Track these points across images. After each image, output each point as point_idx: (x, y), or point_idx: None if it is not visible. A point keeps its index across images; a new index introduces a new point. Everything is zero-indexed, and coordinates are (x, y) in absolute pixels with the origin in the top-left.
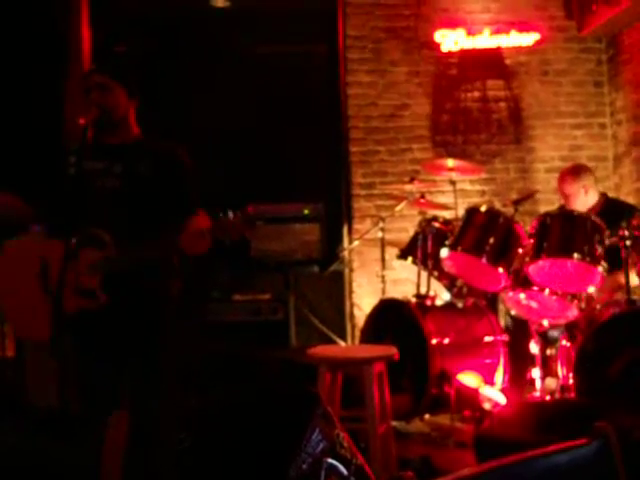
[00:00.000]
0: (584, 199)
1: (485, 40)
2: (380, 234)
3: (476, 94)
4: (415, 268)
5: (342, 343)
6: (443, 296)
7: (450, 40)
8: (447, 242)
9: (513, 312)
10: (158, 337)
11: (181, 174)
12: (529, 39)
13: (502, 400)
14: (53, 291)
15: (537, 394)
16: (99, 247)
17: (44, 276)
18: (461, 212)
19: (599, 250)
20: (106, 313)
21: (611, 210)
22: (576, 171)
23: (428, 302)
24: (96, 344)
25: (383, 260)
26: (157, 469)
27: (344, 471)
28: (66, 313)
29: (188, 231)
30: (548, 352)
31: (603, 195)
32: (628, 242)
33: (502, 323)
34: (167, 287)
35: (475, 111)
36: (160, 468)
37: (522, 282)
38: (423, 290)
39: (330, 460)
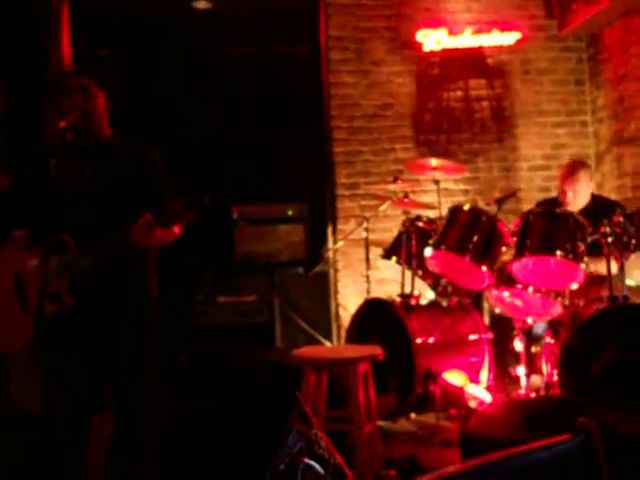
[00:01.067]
0: (586, 195)
1: (467, 40)
2: (364, 234)
3: (458, 93)
4: (399, 268)
5: (327, 343)
6: (427, 295)
7: (432, 40)
8: (431, 241)
9: (497, 310)
10: (141, 337)
11: (152, 175)
12: (510, 38)
13: (487, 398)
14: (27, 301)
15: (522, 391)
16: (64, 252)
17: (19, 288)
18: (445, 211)
19: (581, 247)
20: (87, 315)
21: (597, 206)
22: (585, 165)
23: (413, 301)
24: (78, 346)
25: (367, 260)
26: (140, 468)
27: (321, 471)
28: (46, 317)
29: (136, 223)
30: (533, 349)
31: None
32: (610, 239)
33: (487, 321)
34: (148, 287)
35: (458, 110)
36: (143, 467)
37: (506, 280)
38: (407, 289)
39: (307, 460)
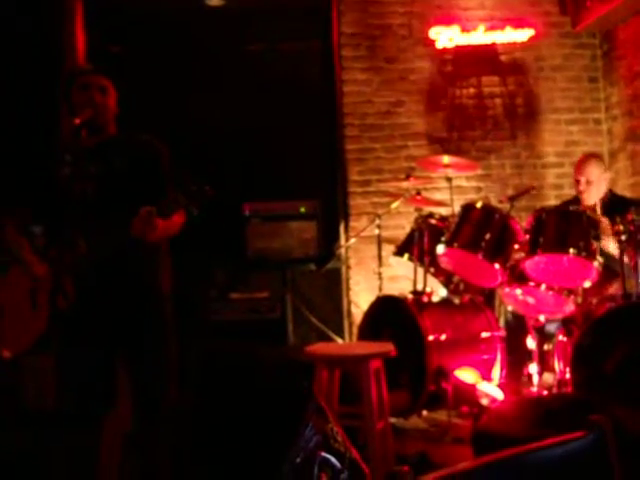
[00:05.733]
0: (600, 186)
1: (480, 37)
2: (376, 231)
3: (471, 90)
4: (412, 265)
5: (339, 340)
6: (440, 292)
7: (445, 37)
8: (443, 238)
9: (510, 308)
10: (154, 331)
11: (158, 166)
12: (524, 35)
13: (499, 396)
14: (37, 299)
15: (534, 389)
16: (74, 249)
17: (33, 290)
18: (457, 208)
19: (595, 245)
20: (97, 311)
21: (614, 203)
22: (599, 158)
23: (425, 299)
24: (89, 342)
25: (380, 257)
26: (157, 462)
27: (337, 464)
28: (58, 313)
29: (136, 215)
30: (545, 347)
31: (609, 189)
32: (624, 237)
33: (499, 319)
34: (159, 281)
35: (470, 107)
36: (160, 461)
37: (518, 278)
38: (420, 287)
39: (323, 454)
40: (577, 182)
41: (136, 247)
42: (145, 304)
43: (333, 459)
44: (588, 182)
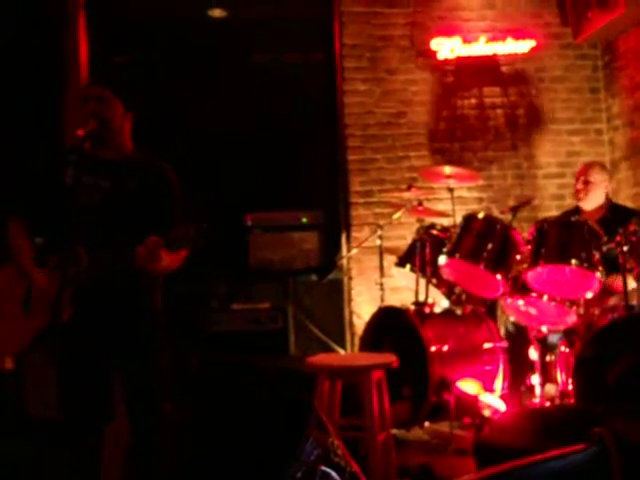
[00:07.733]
0: (600, 194)
1: (481, 48)
2: (378, 242)
3: (473, 101)
4: (413, 275)
5: (341, 351)
6: (442, 303)
7: (446, 48)
8: (445, 249)
9: (512, 319)
10: (150, 346)
11: (167, 192)
12: (525, 46)
13: (502, 407)
14: (30, 304)
15: (537, 400)
16: (77, 263)
17: (27, 298)
18: (459, 219)
19: (596, 256)
20: (98, 324)
21: (616, 215)
22: (604, 166)
23: (427, 309)
24: (90, 353)
25: (382, 268)
26: (154, 474)
27: (338, 478)
28: (61, 324)
29: (143, 243)
30: (547, 358)
31: (609, 200)
32: (625, 247)
33: (501, 330)
34: (156, 300)
35: (472, 118)
36: (157, 473)
37: (520, 288)
38: (422, 297)
39: (324, 468)
40: (576, 181)
41: (133, 270)
42: (140, 320)
43: (333, 473)
44: (586, 182)
